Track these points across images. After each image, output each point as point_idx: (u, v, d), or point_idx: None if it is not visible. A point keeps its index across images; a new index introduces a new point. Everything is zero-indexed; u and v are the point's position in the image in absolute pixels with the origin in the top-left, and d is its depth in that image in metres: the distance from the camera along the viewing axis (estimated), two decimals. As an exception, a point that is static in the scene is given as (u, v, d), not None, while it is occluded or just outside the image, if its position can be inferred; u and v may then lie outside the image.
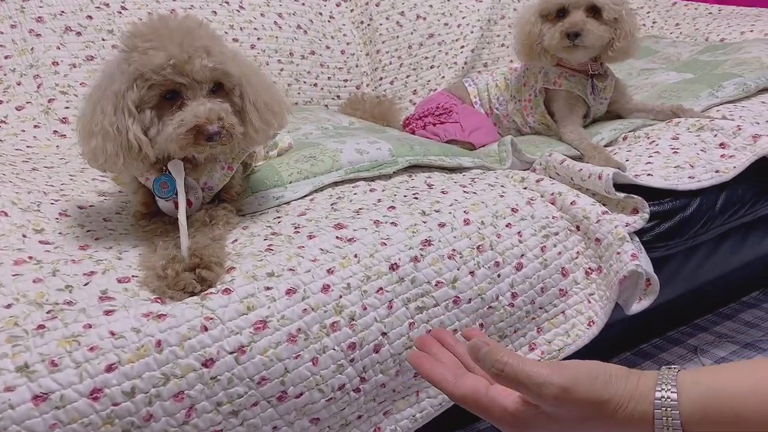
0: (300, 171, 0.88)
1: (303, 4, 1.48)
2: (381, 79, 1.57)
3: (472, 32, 1.63)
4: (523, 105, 1.28)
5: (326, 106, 1.47)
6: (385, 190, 0.87)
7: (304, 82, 1.43)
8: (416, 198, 0.84)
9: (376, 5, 1.59)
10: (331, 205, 0.81)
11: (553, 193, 0.91)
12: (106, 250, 0.67)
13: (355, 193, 0.85)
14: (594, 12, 1.12)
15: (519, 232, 0.82)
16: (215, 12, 1.32)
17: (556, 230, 0.85)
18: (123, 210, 0.81)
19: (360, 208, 0.80)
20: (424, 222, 0.77)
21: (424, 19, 1.62)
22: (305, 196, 0.85)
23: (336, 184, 0.89)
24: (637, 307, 0.84)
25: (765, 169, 1.02)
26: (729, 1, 1.92)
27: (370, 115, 1.37)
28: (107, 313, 0.56)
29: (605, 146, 1.14)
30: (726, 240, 1.11)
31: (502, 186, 0.92)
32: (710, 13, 1.86)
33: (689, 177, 0.96)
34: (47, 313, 0.55)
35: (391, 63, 1.58)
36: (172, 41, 0.63)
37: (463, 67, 1.60)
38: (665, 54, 1.64)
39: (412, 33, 1.60)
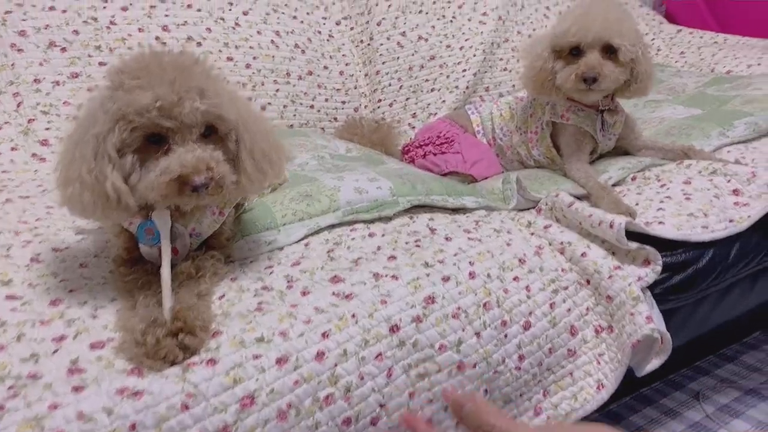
0: (295, 212, 0.82)
1: (302, 22, 1.42)
2: (380, 101, 1.52)
3: (474, 55, 1.59)
4: (528, 137, 1.24)
5: (323, 128, 1.41)
6: (385, 234, 0.82)
7: (301, 104, 1.37)
8: (418, 246, 0.79)
9: (377, 24, 1.54)
10: (327, 252, 0.76)
11: (562, 242, 0.86)
12: (80, 306, 0.61)
13: (353, 239, 0.80)
14: (609, 52, 1.06)
15: (527, 287, 0.77)
16: (209, 29, 1.26)
17: (566, 284, 0.81)
18: (102, 251, 0.75)
19: (358, 258, 0.74)
20: (427, 275, 0.72)
21: (426, 40, 1.57)
22: (300, 240, 0.79)
23: (333, 226, 0.83)
24: (648, 367, 0.80)
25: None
26: (734, 30, 1.90)
27: (368, 141, 1.32)
28: (76, 389, 0.50)
29: (613, 185, 1.09)
30: (735, 287, 1.07)
31: (509, 232, 0.87)
32: (715, 42, 1.84)
33: (702, 227, 0.92)
34: (9, 389, 0.49)
35: (390, 85, 1.53)
36: (162, 80, 0.57)
37: (464, 91, 1.55)
38: (670, 84, 1.61)
39: (413, 54, 1.55)
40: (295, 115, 1.36)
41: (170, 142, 0.58)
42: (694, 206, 0.95)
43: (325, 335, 0.61)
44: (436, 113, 1.54)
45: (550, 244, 0.87)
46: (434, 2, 1.61)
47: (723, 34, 1.85)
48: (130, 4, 1.19)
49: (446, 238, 0.82)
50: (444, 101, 1.55)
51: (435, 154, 1.27)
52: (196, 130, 0.58)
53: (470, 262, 0.77)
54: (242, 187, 0.62)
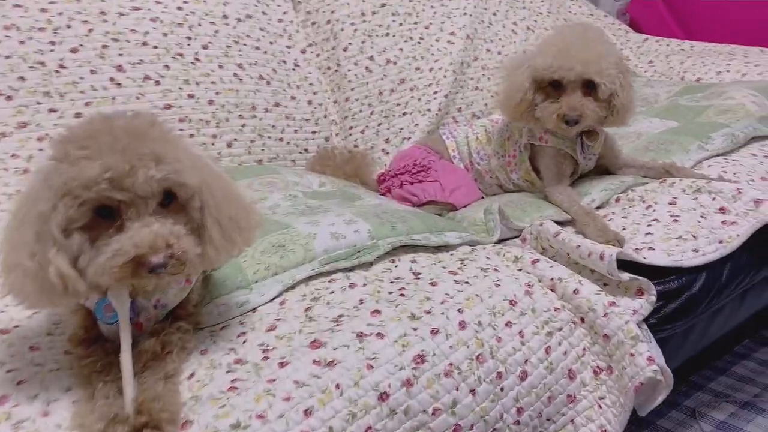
0: (267, 266, 0.76)
1: (265, 52, 1.37)
2: (351, 128, 1.47)
3: (445, 77, 1.55)
4: (507, 161, 1.20)
5: (293, 161, 1.36)
6: (367, 284, 0.77)
7: (269, 137, 1.31)
8: (403, 295, 0.74)
9: (344, 50, 1.49)
10: (305, 311, 0.70)
11: (552, 279, 0.82)
12: (29, 402, 0.55)
13: (332, 291, 0.75)
14: (590, 87, 1.02)
15: (520, 332, 0.73)
16: (168, 66, 1.20)
17: (560, 325, 0.76)
18: (57, 328, 0.68)
19: (340, 315, 0.69)
20: (415, 330, 0.67)
21: (395, 63, 1.53)
22: (275, 298, 0.74)
23: (310, 278, 0.78)
24: (652, 407, 0.76)
25: (763, 231, 0.96)
26: (699, 37, 1.91)
27: (342, 173, 1.27)
28: None
29: (597, 208, 1.06)
30: (726, 306, 1.05)
31: (496, 270, 0.83)
32: (682, 49, 1.84)
33: (693, 250, 0.89)
34: None
35: (361, 111, 1.48)
36: (113, 148, 0.51)
37: (437, 114, 1.52)
38: (642, 95, 1.60)
39: (382, 79, 1.51)
40: (263, 150, 1.30)
41: (123, 217, 0.52)
42: (683, 228, 0.92)
43: (307, 413, 0.56)
44: (409, 137, 1.50)
45: (540, 281, 0.83)
46: (401, 24, 1.57)
47: (689, 41, 1.85)
48: (81, 45, 1.12)
49: (432, 283, 0.77)
50: (417, 125, 1.51)
51: (412, 183, 1.22)
52: (152, 201, 0.52)
53: (459, 310, 0.72)
54: (208, 258, 0.57)
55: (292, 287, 0.76)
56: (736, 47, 1.72)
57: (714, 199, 0.98)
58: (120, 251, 0.49)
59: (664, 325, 0.87)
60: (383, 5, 1.57)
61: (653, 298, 0.82)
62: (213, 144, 1.23)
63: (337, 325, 0.67)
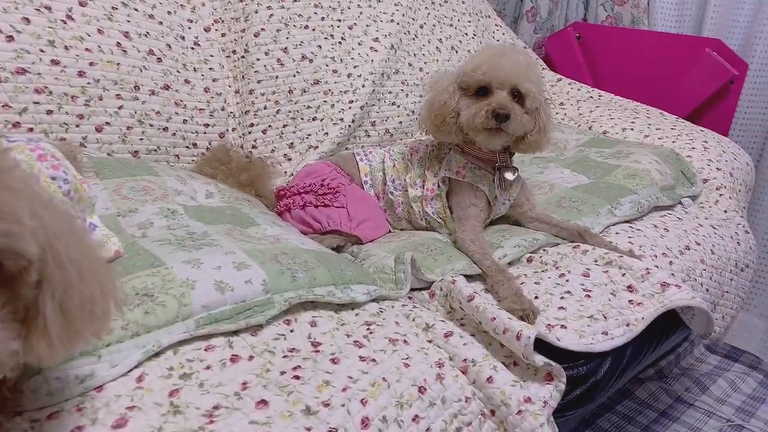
0: (126, 324, 0.59)
1: (160, 23, 1.14)
2: (252, 125, 1.29)
3: (363, 86, 1.42)
4: (425, 194, 1.11)
5: (177, 156, 1.15)
6: (254, 357, 0.62)
7: (151, 125, 1.10)
8: (297, 377, 0.61)
9: (255, 35, 1.30)
10: (170, 395, 0.55)
11: (465, 360, 0.73)
12: None
13: (208, 366, 0.59)
14: (516, 96, 1.00)
15: (428, 429, 0.63)
16: (27, 19, 0.94)
17: (469, 419, 0.68)
18: None
19: (215, 407, 0.54)
20: (309, 431, 0.55)
21: (311, 61, 1.37)
22: (131, 370, 0.57)
23: (181, 341, 0.62)
24: None
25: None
26: (605, 87, 1.96)
27: (236, 182, 1.10)
28: None
29: (507, 264, 1.00)
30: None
31: (405, 341, 0.72)
32: (591, 97, 1.87)
33: (603, 333, 0.85)
34: None
35: (266, 108, 1.31)
36: None
37: (350, 125, 1.38)
38: (553, 138, 1.59)
39: (294, 75, 1.35)
40: (142, 140, 1.09)
41: None
42: (594, 306, 0.88)
43: None
44: (316, 146, 1.35)
45: (450, 359, 0.74)
46: (323, 18, 1.42)
47: (597, 90, 1.89)
48: None
49: (333, 360, 0.65)
50: (327, 133, 1.37)
51: (316, 206, 1.09)
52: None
53: (362, 401, 0.60)
54: (35, 356, 0.39)
55: (157, 354, 0.59)
56: (640, 106, 1.77)
57: (624, 275, 0.96)
58: None
59: (567, 411, 0.82)
60: (306, -7, 1.40)
61: (562, 387, 0.77)
62: (78, 126, 1.00)
63: (211, 421, 0.52)
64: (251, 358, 0.62)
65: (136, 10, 1.11)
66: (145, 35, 1.11)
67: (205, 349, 0.61)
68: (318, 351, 0.66)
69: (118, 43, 1.05)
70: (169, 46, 1.15)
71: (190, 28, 1.21)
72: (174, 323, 0.61)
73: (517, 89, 1.00)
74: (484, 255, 0.97)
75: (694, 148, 1.51)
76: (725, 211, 1.37)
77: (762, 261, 1.74)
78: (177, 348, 0.61)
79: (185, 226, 0.81)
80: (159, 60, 1.13)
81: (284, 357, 0.63)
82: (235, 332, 0.65)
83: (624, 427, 1.42)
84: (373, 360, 0.67)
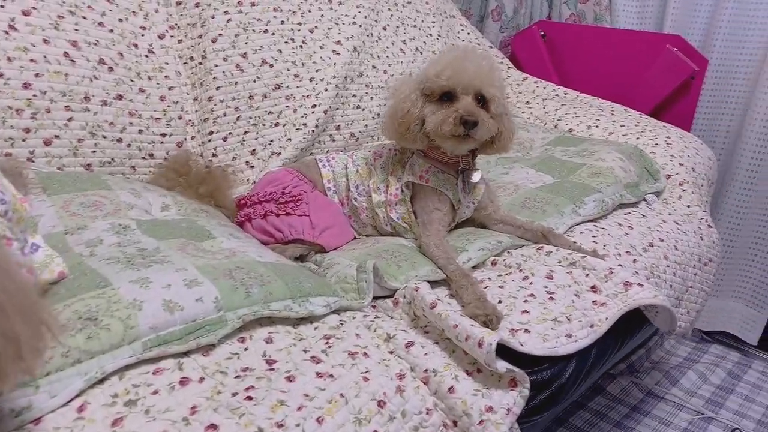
0: (67, 351, 0.56)
1: (111, 30, 1.11)
2: (211, 133, 1.26)
3: (326, 90, 1.40)
4: (389, 199, 1.09)
5: (133, 167, 1.12)
6: (205, 378, 0.60)
7: (104, 137, 1.07)
8: (250, 398, 0.59)
9: (213, 41, 1.28)
10: (112, 424, 0.52)
11: (426, 370, 0.72)
12: None
13: (155, 391, 0.57)
14: (480, 101, 1.00)
15: (387, 445, 0.62)
16: (-34, 30, 0.91)
17: (431, 431, 0.67)
18: None
19: (161, 434, 0.52)
20: (260, 455, 0.53)
21: (271, 66, 1.35)
22: (71, 400, 0.54)
23: (127, 366, 0.59)
24: None
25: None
26: (571, 84, 1.97)
27: (195, 193, 1.07)
28: None
29: (472, 268, 1.00)
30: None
31: (365, 354, 0.71)
32: (557, 95, 1.88)
33: (566, 336, 0.85)
34: None
35: (226, 114, 1.28)
36: None
37: (313, 130, 1.36)
38: (519, 138, 1.59)
39: (255, 81, 1.32)
40: (95, 152, 1.05)
41: None
42: (558, 309, 0.88)
43: None
44: (279, 152, 1.33)
45: (412, 370, 0.72)
46: (282, 22, 1.39)
47: (563, 88, 1.90)
48: None
49: (288, 378, 0.63)
50: (290, 139, 1.35)
51: (278, 215, 1.06)
52: None
53: (318, 419, 0.59)
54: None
55: (100, 381, 0.57)
56: (605, 102, 1.79)
57: (587, 275, 0.96)
58: None
59: (532, 416, 0.81)
60: (265, -3, 1.37)
61: (526, 392, 0.76)
62: (24, 140, 0.96)
63: (156, 451, 0.50)
64: (202, 379, 0.60)
65: (85, 18, 1.07)
66: (95, 44, 1.07)
67: (153, 373, 0.59)
68: (273, 369, 0.64)
69: (65, 52, 1.02)
70: (122, 55, 1.12)
71: (143, 35, 1.17)
72: (119, 347, 0.59)
73: (481, 94, 0.99)
74: (448, 260, 0.96)
75: (657, 144, 1.53)
76: (688, 206, 1.38)
77: (727, 250, 1.77)
78: (123, 373, 0.58)
79: (136, 243, 0.79)
80: (111, 69, 1.09)
81: (237, 377, 0.61)
82: (186, 353, 0.63)
83: (596, 424, 1.43)
84: (331, 375, 0.65)
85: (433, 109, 1.00)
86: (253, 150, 1.32)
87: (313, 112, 1.37)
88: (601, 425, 1.43)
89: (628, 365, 1.63)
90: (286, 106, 1.36)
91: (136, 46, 1.15)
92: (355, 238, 1.14)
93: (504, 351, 0.77)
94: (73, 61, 1.03)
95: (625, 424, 1.43)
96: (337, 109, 1.44)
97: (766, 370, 1.75)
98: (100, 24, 1.09)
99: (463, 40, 1.93)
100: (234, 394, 0.59)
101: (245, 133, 1.31)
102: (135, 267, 0.70)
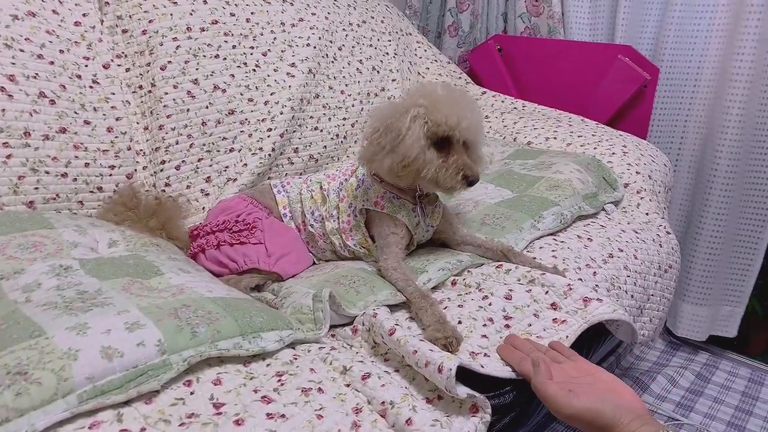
0: (-7, 411, 0.53)
1: (51, 63, 1.08)
2: (164, 162, 1.23)
3: (281, 113, 1.39)
4: (341, 226, 1.08)
5: (81, 203, 1.08)
6: (146, 429, 0.57)
7: (47, 173, 1.03)
8: (194, 449, 0.56)
9: (161, 69, 1.25)
10: (43, 489, 0.49)
11: (384, 402, 0.70)
12: None
13: (91, 448, 0.54)
14: (466, 146, 1.00)
15: (342, 487, 0.60)
16: None
17: (389, 468, 0.65)
18: None
19: (95, 497, 0.49)
20: None
21: (224, 91, 1.33)
22: (-3, 465, 0.51)
23: (62, 422, 0.56)
24: None
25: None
26: (528, 97, 1.99)
27: (145, 226, 1.04)
28: None
29: (432, 289, 0.98)
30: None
31: (320, 389, 0.69)
32: (515, 108, 1.90)
33: (528, 356, 0.84)
34: None
35: (178, 143, 1.25)
36: None
37: (270, 154, 1.34)
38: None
39: (207, 107, 1.30)
40: (37, 189, 1.02)
41: None
42: (517, 329, 0.87)
43: None
44: (235, 179, 1.30)
45: (369, 403, 0.70)
46: (234, 47, 1.37)
47: (521, 101, 1.92)
48: None
49: (237, 422, 0.60)
50: (245, 164, 1.33)
51: (232, 245, 1.04)
52: None
53: (268, 467, 0.56)
54: None
55: (31, 440, 0.53)
56: (562, 114, 1.81)
57: (547, 292, 0.95)
58: None
59: (497, 440, 0.80)
60: (215, 22, 1.35)
61: (488, 418, 0.74)
62: (-42, 180, 0.92)
63: None
64: (143, 430, 0.57)
65: (22, 50, 1.03)
66: (34, 77, 1.04)
67: (90, 427, 0.56)
68: (220, 413, 0.61)
69: (1, 87, 0.98)
70: (64, 87, 1.08)
71: (86, 66, 1.14)
72: (52, 401, 0.56)
73: (469, 141, 0.99)
74: (406, 282, 0.94)
75: (614, 153, 1.55)
76: (647, 214, 1.40)
77: (687, 255, 1.80)
78: (56, 429, 0.55)
79: (77, 285, 0.75)
80: (52, 102, 1.06)
81: (181, 425, 0.58)
82: (127, 402, 0.60)
83: None
84: (283, 416, 0.63)
85: (433, 157, 0.96)
86: (208, 177, 1.29)
87: (269, 136, 1.35)
88: None
89: (599, 374, 1.63)
90: (241, 131, 1.34)
91: (79, 77, 1.12)
92: (314, 263, 1.12)
93: (466, 374, 0.75)
94: (10, 95, 0.99)
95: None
96: (294, 131, 1.42)
97: (734, 369, 1.77)
98: (39, 56, 1.06)
99: (420, 57, 1.94)
100: (177, 446, 0.56)
101: (199, 160, 1.28)
102: (73, 312, 0.67)
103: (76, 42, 1.14)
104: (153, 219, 1.03)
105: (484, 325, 0.87)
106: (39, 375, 0.56)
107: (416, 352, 0.76)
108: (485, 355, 0.82)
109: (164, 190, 1.20)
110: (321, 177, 1.14)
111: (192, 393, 0.63)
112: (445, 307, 0.93)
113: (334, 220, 1.08)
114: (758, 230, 1.72)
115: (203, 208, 1.26)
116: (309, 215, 1.10)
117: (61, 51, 1.10)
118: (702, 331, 1.83)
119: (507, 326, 0.87)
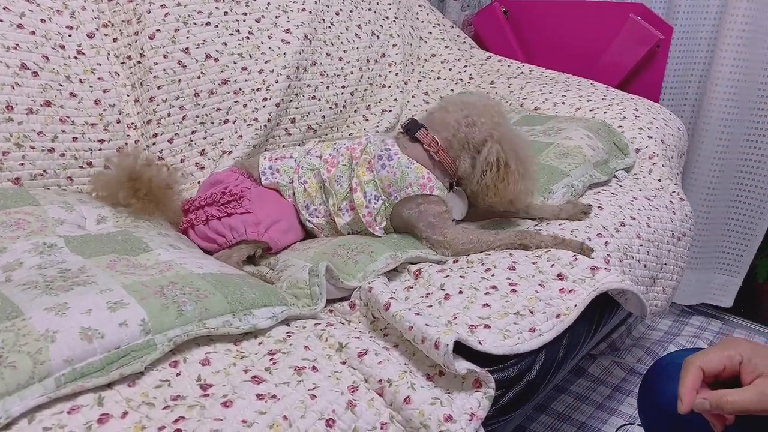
0: (-36, 397, 0.50)
1: (32, 33, 1.03)
2: (156, 135, 1.19)
3: (277, 81, 1.33)
4: (365, 219, 0.98)
5: (70, 179, 1.05)
6: (129, 412, 0.54)
7: (32, 148, 0.99)
8: (179, 430, 0.53)
9: (150, 38, 1.20)
10: (17, 478, 0.46)
11: (381, 380, 0.67)
12: None
13: (69, 433, 0.51)
14: None
15: (337, 469, 0.57)
16: None
17: (387, 447, 0.62)
18: None
19: (71, 486, 0.46)
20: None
21: (216, 60, 1.27)
22: (-31, 453, 0.48)
23: (40, 406, 0.53)
24: None
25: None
26: (536, 60, 1.92)
27: (138, 198, 0.99)
28: None
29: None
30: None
31: (314, 368, 0.65)
32: (522, 72, 1.83)
33: (530, 330, 0.80)
34: None
35: (170, 115, 1.20)
36: None
37: (266, 125, 1.30)
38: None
39: (199, 77, 1.24)
40: (23, 164, 0.98)
41: None
42: (520, 302, 0.83)
43: None
44: (230, 151, 1.26)
45: (366, 381, 0.67)
46: (226, 13, 1.31)
47: (528, 65, 1.85)
48: None
49: (225, 404, 0.57)
50: (240, 136, 1.28)
51: (219, 218, 1.00)
52: None
53: (257, 451, 0.53)
54: None
55: (7, 426, 0.51)
56: (571, 77, 1.74)
57: (552, 265, 0.91)
58: None
59: (501, 416, 0.77)
60: (204, -13, 1.29)
61: (492, 393, 0.71)
62: (-62, 157, 0.88)
63: (63, 506, 0.44)
64: (125, 414, 0.54)
65: (1, 20, 0.99)
66: (14, 48, 0.99)
67: (68, 412, 0.53)
68: (208, 395, 0.58)
69: (-21, 59, 0.94)
70: (47, 58, 1.04)
71: (70, 35, 1.09)
72: (28, 386, 0.53)
73: None
74: (480, 242, 0.96)
75: (625, 117, 1.49)
76: (659, 180, 1.34)
77: (699, 223, 1.74)
78: (33, 415, 0.52)
79: (60, 263, 0.72)
80: (35, 74, 1.01)
81: (165, 408, 0.56)
82: (108, 386, 0.57)
83: (578, 408, 1.40)
84: (274, 396, 0.59)
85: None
86: (203, 150, 1.25)
87: (264, 106, 1.30)
88: (584, 408, 1.39)
89: (609, 344, 1.60)
90: (235, 102, 1.29)
91: (63, 47, 1.07)
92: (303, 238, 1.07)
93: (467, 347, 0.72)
94: (-10, 67, 0.95)
95: (607, 406, 1.40)
96: (291, 101, 1.37)
97: (748, 336, 1.73)
98: (19, 26, 1.01)
99: (422, 21, 1.86)
100: (161, 429, 0.53)
101: (193, 132, 1.24)
102: (53, 292, 0.63)
103: (57, 10, 1.09)
104: (144, 189, 0.98)
105: (487, 293, 0.84)
106: (14, 358, 0.53)
107: (412, 327, 0.73)
108: (486, 326, 0.78)
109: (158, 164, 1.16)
110: (315, 162, 1.05)
111: (178, 374, 0.60)
112: (446, 276, 0.89)
113: (346, 214, 1.02)
114: (765, 200, 1.65)
115: (198, 182, 1.22)
116: (304, 211, 1.04)
117: (43, 20, 1.05)
118: (689, 296, 1.79)
119: (513, 291, 0.84)
